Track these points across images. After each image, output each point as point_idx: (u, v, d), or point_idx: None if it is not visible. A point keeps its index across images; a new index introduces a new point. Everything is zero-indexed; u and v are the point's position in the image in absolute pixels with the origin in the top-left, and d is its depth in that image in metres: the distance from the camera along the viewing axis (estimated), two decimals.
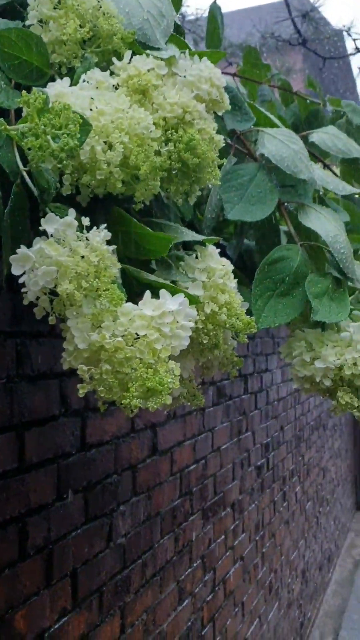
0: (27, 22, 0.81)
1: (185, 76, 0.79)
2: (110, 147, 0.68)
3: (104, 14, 0.79)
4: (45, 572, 1.31)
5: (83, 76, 0.74)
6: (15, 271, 0.64)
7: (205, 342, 0.81)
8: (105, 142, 0.69)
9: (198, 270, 0.81)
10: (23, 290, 0.66)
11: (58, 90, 0.70)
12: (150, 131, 0.72)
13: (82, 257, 0.63)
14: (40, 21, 0.80)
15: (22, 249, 0.63)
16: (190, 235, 0.80)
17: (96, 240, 0.66)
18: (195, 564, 2.07)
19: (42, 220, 0.64)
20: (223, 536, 2.34)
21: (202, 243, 0.83)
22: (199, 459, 2.14)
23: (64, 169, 0.69)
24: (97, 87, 0.73)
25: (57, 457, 1.34)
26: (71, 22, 0.77)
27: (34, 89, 0.57)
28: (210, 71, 0.80)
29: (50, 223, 0.64)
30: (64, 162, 0.56)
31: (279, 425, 3.24)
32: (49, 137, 0.55)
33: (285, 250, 1.01)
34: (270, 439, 3.06)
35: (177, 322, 0.66)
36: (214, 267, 0.80)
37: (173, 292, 0.69)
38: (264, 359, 2.95)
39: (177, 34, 0.90)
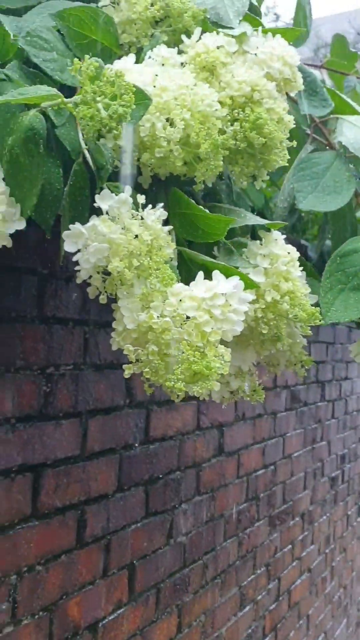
0: (100, 4, 0.80)
1: (256, 54, 0.76)
2: (171, 124, 0.66)
3: None
4: (102, 562, 1.30)
5: (149, 53, 0.72)
6: (68, 248, 0.63)
7: (264, 332, 0.77)
8: (166, 120, 0.67)
9: (260, 256, 0.77)
10: (76, 268, 0.65)
11: (121, 66, 0.68)
12: (215, 109, 0.70)
13: (136, 235, 0.61)
14: (113, 2, 0.79)
15: (76, 226, 0.62)
16: (253, 219, 0.77)
17: (151, 219, 0.64)
18: (259, 571, 2.01)
19: (97, 197, 0.63)
20: (290, 546, 2.27)
21: (267, 229, 0.79)
22: (268, 465, 2.08)
23: (124, 147, 0.68)
24: (162, 64, 0.72)
25: (119, 447, 1.34)
26: (142, 0, 0.75)
27: (86, 56, 0.56)
28: (283, 49, 0.76)
29: (104, 200, 0.63)
30: (116, 132, 0.55)
31: (357, 437, 3.12)
32: (99, 105, 0.53)
33: None
34: (347, 451, 2.95)
35: (230, 305, 0.62)
36: (278, 253, 0.77)
37: (229, 275, 0.65)
38: (343, 366, 2.85)
39: (254, 14, 0.87)
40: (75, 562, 1.23)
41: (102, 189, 0.65)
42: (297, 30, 0.84)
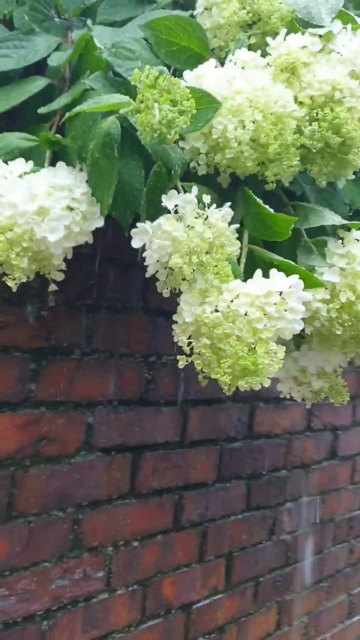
0: (195, 12, 0.84)
1: (340, 53, 0.75)
2: (243, 125, 0.68)
3: None
4: (199, 548, 1.35)
5: (230, 57, 0.75)
6: (135, 244, 0.67)
7: (338, 332, 0.76)
8: (240, 121, 0.69)
9: (337, 255, 0.76)
10: (145, 263, 0.70)
11: (199, 71, 0.72)
12: (291, 110, 0.70)
13: (198, 233, 0.64)
14: (206, 9, 0.83)
15: (142, 224, 0.67)
16: (330, 219, 0.76)
17: (215, 218, 0.66)
18: None
19: (163, 197, 0.67)
20: None
21: (348, 228, 0.78)
22: None
23: (199, 148, 0.71)
24: (242, 67, 0.74)
25: (219, 439, 1.37)
26: (231, 4, 0.78)
27: (147, 66, 0.60)
28: None
29: (171, 199, 0.67)
30: (169, 136, 0.58)
31: None
32: (154, 111, 0.57)
33: None
34: None
35: (286, 303, 0.63)
36: (356, 253, 0.75)
37: (294, 273, 0.66)
38: None
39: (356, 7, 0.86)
40: (171, 543, 1.29)
41: (173, 189, 0.69)
42: None
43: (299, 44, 0.75)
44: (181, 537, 1.31)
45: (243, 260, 0.72)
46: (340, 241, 0.78)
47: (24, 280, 0.69)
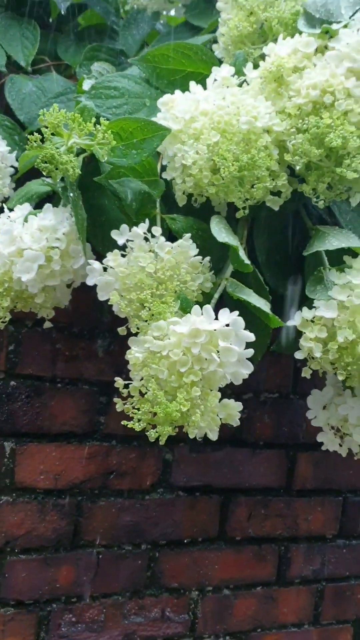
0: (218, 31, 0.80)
1: (338, 49, 0.63)
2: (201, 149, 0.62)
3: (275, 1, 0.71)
4: (312, 607, 1.22)
5: (213, 74, 0.69)
6: (89, 281, 0.65)
7: (340, 378, 0.64)
8: (206, 145, 0.63)
9: (338, 287, 0.64)
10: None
11: (167, 98, 0.67)
12: (265, 125, 0.62)
13: (141, 268, 0.60)
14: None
15: (92, 262, 0.65)
16: (337, 243, 0.64)
17: (164, 251, 0.61)
18: None
19: (112, 232, 0.64)
20: None
21: (356, 253, 0.65)
22: None
23: (175, 178, 0.67)
24: (225, 85, 0.67)
25: (342, 489, 1.23)
26: (234, 18, 0.72)
27: (55, 106, 0.58)
28: None
29: (121, 235, 0.64)
30: (71, 171, 0.55)
31: None
32: (55, 147, 0.55)
33: None
34: None
35: (219, 344, 0.55)
36: (357, 283, 0.62)
37: (264, 312, 0.58)
38: None
39: None
40: (274, 598, 1.18)
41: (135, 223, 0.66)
42: None
43: (289, 49, 0.66)
44: (287, 592, 1.20)
45: (216, 295, 0.65)
46: (340, 271, 0.66)
47: (6, 319, 0.72)
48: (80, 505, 1.04)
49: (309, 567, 1.22)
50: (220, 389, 1.12)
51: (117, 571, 1.06)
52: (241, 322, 0.56)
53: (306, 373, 0.66)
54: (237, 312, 0.56)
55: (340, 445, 0.78)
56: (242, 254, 0.60)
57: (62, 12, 0.95)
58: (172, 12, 0.96)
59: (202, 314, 0.57)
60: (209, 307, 0.57)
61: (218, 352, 0.55)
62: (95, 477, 1.04)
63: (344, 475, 1.24)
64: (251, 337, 0.56)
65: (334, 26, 0.67)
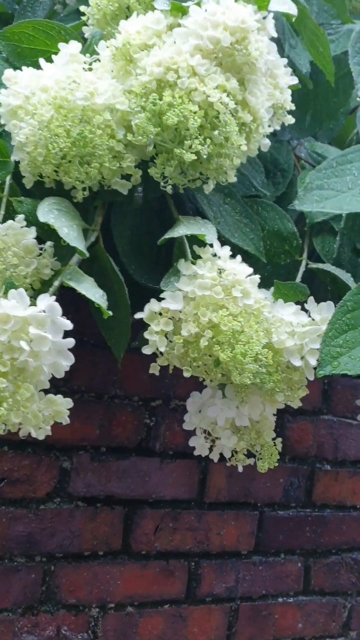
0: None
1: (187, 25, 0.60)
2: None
3: None
4: (225, 628, 1.16)
5: (62, 50, 0.65)
6: None
7: (187, 374, 0.60)
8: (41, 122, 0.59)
9: (185, 277, 0.60)
10: None
11: (11, 73, 0.63)
12: (102, 103, 0.58)
13: None
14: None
15: None
16: (176, 232, 0.60)
17: None
18: None
19: None
20: None
21: (204, 242, 0.61)
22: None
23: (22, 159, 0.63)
24: (74, 62, 0.63)
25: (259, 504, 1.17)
26: None
27: None
28: (227, 13, 0.58)
29: None
30: None
31: None
32: None
33: None
34: None
35: (29, 331, 0.51)
36: (201, 273, 0.58)
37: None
38: None
39: None
40: (184, 616, 1.13)
41: None
42: None
43: (139, 26, 0.62)
44: (198, 612, 1.14)
45: (56, 283, 0.60)
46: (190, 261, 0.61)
47: None
48: None
49: (222, 585, 1.16)
50: (125, 396, 1.08)
51: (8, 585, 1.00)
52: (57, 308, 0.52)
53: (154, 369, 0.62)
54: (54, 297, 0.52)
55: (211, 450, 0.73)
56: (70, 236, 0.55)
57: None
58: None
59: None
60: (22, 291, 0.53)
61: (31, 341, 0.51)
62: None
63: (261, 488, 1.19)
64: (68, 325, 0.52)
65: (188, 3, 0.64)
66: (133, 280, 0.70)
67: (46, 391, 1.01)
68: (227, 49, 0.59)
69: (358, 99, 0.74)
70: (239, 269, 0.60)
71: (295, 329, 0.65)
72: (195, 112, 0.57)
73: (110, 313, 0.56)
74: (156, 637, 1.11)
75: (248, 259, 0.72)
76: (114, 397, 1.07)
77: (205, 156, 0.58)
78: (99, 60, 0.64)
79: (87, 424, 1.05)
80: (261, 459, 0.70)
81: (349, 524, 1.28)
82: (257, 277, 0.62)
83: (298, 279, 0.76)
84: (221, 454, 0.75)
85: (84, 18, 0.71)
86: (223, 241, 0.72)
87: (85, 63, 0.63)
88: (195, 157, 0.57)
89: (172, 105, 0.57)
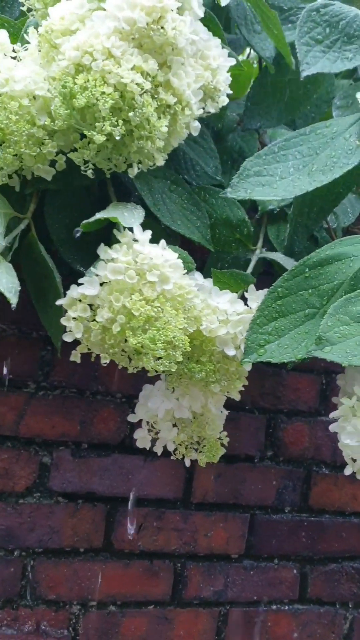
0: None
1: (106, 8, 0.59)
2: None
3: None
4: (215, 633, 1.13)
5: None
6: None
7: (105, 362, 0.58)
8: None
9: (102, 262, 0.58)
10: None
11: None
12: (21, 89, 0.58)
13: None
14: None
15: None
16: (95, 216, 0.59)
17: None
18: None
19: None
20: None
21: (123, 227, 0.59)
22: None
23: None
24: (2, 52, 0.63)
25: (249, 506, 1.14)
26: None
27: None
28: None
29: None
30: None
31: None
32: None
33: (352, 244, 0.59)
34: None
35: None
36: (116, 257, 0.57)
37: None
38: None
39: None
40: (169, 618, 1.11)
41: None
42: None
43: (63, 11, 0.62)
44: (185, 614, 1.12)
45: None
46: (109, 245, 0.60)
47: None
48: None
49: (210, 588, 1.13)
50: (107, 392, 1.07)
51: None
52: None
53: (75, 357, 0.61)
54: None
55: (153, 444, 0.71)
56: None
57: None
58: None
59: None
60: None
61: None
62: None
63: (252, 490, 1.15)
64: None
65: None
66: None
67: (24, 386, 1.01)
68: (143, 30, 0.58)
69: (301, 79, 0.71)
70: (156, 253, 0.58)
71: (230, 317, 0.63)
72: (108, 94, 0.56)
73: (14, 302, 0.56)
74: (140, 637, 1.09)
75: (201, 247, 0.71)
76: (96, 393, 1.06)
77: (118, 137, 0.56)
78: None
79: (68, 419, 1.05)
80: (201, 452, 0.68)
81: (350, 531, 1.23)
82: (179, 262, 0.60)
83: (250, 268, 0.74)
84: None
85: (23, 9, 0.71)
86: (164, 229, 0.70)
87: (15, 52, 0.63)
88: (106, 139, 0.56)
89: (86, 88, 0.56)
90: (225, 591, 1.14)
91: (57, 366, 1.04)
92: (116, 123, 0.56)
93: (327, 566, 1.21)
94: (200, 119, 0.87)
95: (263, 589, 1.16)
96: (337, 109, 0.96)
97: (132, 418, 0.72)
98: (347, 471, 0.67)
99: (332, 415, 0.67)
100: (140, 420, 0.72)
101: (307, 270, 0.60)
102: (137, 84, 0.57)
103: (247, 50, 1.25)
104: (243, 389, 0.69)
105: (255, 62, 1.20)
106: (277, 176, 0.64)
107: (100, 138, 0.56)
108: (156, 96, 0.59)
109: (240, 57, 1.14)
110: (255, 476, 1.16)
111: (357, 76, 1.14)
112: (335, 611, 1.22)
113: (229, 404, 0.86)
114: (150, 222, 0.70)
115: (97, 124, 0.56)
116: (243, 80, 1.05)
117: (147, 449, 0.72)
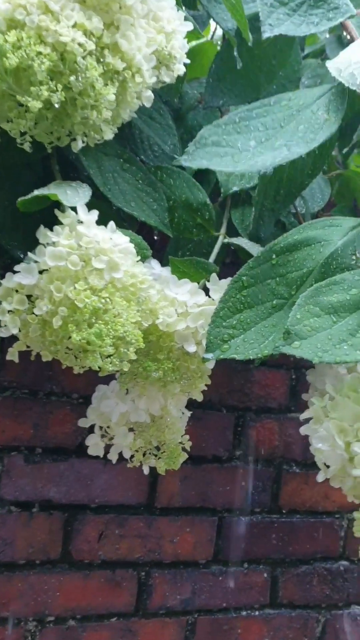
0: None
1: None
2: None
3: None
4: None
5: None
6: None
7: (45, 359, 0.51)
8: None
9: (41, 247, 0.51)
10: None
11: None
12: None
13: None
14: None
15: None
16: (31, 194, 0.51)
17: None
18: None
19: None
20: None
21: (65, 207, 0.52)
22: None
23: None
24: None
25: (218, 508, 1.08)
26: None
27: None
28: None
29: None
30: None
31: None
32: None
33: (323, 227, 0.53)
34: None
35: None
36: (56, 241, 0.50)
37: None
38: None
39: None
40: (133, 630, 1.04)
41: None
42: None
43: None
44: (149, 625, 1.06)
45: None
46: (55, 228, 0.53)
47: None
48: None
49: (177, 597, 1.07)
50: (63, 393, 1.00)
51: None
52: None
53: (11, 356, 0.54)
54: None
55: (108, 451, 0.64)
56: None
57: None
58: None
59: None
60: None
61: None
62: None
63: (220, 492, 1.09)
64: None
65: None
66: None
67: None
68: None
69: (264, 37, 0.65)
70: (103, 237, 0.51)
71: (190, 309, 0.56)
72: (45, 54, 0.49)
73: None
74: None
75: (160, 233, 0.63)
76: (50, 393, 0.99)
77: (57, 104, 0.49)
78: None
79: (20, 422, 0.97)
80: (161, 458, 0.61)
81: (322, 531, 1.18)
82: (130, 247, 0.53)
83: (213, 256, 0.67)
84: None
85: None
86: (118, 213, 0.63)
87: None
88: (44, 106, 0.48)
89: (19, 47, 0.49)
90: (192, 599, 1.08)
91: (7, 365, 0.96)
92: (55, 88, 0.49)
93: (298, 568, 1.16)
94: (158, 96, 0.80)
95: (232, 595, 1.11)
96: (305, 88, 0.91)
97: (83, 423, 0.65)
98: (320, 477, 0.61)
99: (302, 416, 0.61)
100: (93, 425, 0.64)
101: (274, 256, 0.54)
102: (79, 43, 0.50)
103: (212, 30, 1.19)
104: (206, 388, 0.62)
105: (219, 42, 1.14)
106: (237, 148, 0.57)
107: (35, 104, 0.48)
108: (102, 60, 0.52)
109: (204, 39, 1.08)
110: (224, 477, 1.10)
111: (325, 56, 1.09)
112: (307, 614, 1.17)
113: (193, 402, 0.80)
114: (102, 206, 0.63)
115: (32, 88, 0.49)
116: (205, 61, 1.00)
117: (101, 456, 0.65)
